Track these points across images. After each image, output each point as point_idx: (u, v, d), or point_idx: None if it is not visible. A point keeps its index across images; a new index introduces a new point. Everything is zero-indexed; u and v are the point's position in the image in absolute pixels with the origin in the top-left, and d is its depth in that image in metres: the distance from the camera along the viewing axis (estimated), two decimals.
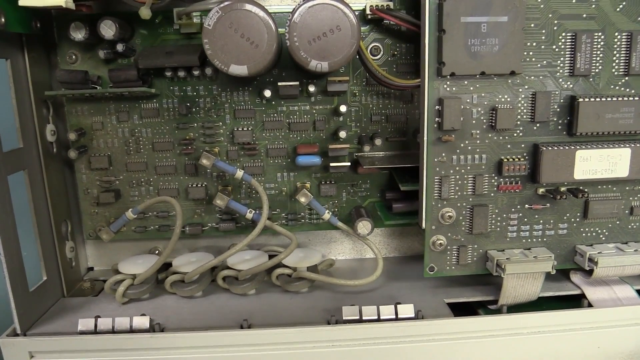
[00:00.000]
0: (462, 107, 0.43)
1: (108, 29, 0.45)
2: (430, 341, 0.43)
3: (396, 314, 0.44)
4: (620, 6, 0.43)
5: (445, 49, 0.42)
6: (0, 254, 0.40)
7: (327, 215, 0.51)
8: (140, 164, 0.51)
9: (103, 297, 0.50)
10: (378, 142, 0.50)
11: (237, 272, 0.50)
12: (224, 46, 0.41)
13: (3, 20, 0.38)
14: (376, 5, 0.47)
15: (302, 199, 0.50)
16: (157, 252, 0.55)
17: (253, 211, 0.50)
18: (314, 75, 0.50)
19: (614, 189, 0.47)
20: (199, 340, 0.42)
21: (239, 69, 0.42)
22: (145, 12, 0.42)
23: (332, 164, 0.50)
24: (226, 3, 0.40)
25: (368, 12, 0.47)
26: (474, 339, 0.44)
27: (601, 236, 0.48)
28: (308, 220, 0.54)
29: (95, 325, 0.43)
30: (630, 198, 0.47)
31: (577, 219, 0.47)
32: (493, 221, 0.47)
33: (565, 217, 0.47)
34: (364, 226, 0.50)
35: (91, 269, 0.56)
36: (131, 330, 0.43)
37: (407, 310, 0.44)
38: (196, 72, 0.49)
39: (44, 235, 0.47)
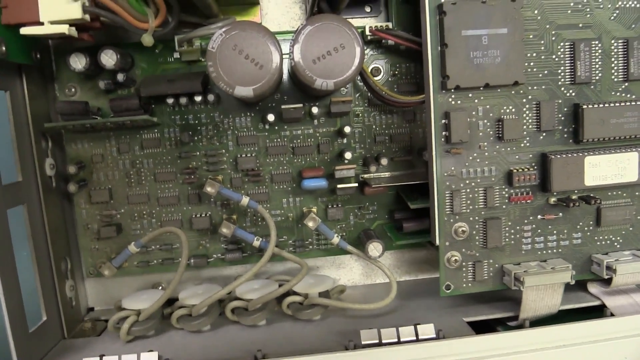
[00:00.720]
0: (468, 119, 0.43)
1: (109, 59, 0.44)
2: None
3: (416, 334, 0.42)
4: (614, 15, 0.44)
5: (448, 62, 0.42)
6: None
7: (336, 240, 0.50)
8: (142, 195, 0.50)
9: (106, 337, 0.47)
10: (384, 161, 0.50)
11: (246, 302, 0.48)
12: (229, 68, 0.41)
13: (4, 49, 0.38)
14: (376, 26, 0.48)
15: (310, 224, 0.49)
16: (160, 287, 0.53)
17: (260, 239, 0.49)
18: (316, 97, 0.50)
19: (624, 195, 0.46)
20: None
21: (244, 91, 0.41)
22: (147, 40, 0.42)
23: (339, 185, 0.50)
24: (230, 26, 0.41)
25: (368, 33, 0.48)
26: (499, 357, 0.42)
27: (615, 244, 0.47)
28: (316, 246, 0.53)
29: None
30: None
31: (591, 227, 0.46)
32: (507, 234, 0.46)
33: (578, 226, 0.46)
34: (374, 248, 0.49)
35: (91, 309, 0.53)
36: None
37: (427, 330, 0.42)
38: (198, 99, 0.48)
39: (43, 273, 0.45)
